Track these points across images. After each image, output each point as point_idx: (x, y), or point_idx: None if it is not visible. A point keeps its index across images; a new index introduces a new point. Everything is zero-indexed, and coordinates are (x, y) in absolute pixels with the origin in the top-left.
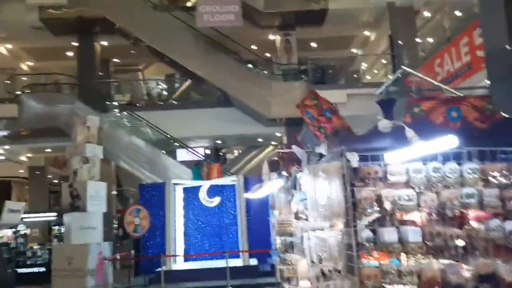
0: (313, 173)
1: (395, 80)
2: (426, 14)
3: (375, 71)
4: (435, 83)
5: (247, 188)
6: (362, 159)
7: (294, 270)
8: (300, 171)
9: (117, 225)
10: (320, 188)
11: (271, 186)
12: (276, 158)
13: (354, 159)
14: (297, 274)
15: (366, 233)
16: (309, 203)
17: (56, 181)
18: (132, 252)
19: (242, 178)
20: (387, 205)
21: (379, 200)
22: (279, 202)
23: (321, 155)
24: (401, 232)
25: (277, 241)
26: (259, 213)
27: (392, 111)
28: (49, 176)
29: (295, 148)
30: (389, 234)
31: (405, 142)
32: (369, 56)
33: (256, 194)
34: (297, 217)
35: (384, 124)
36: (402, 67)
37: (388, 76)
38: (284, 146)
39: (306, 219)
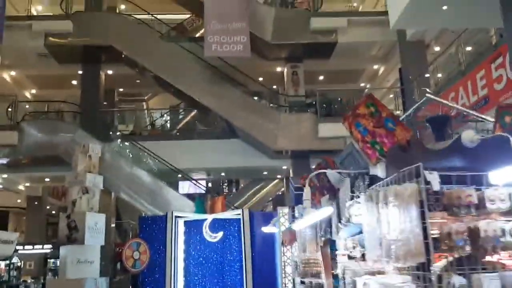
0: (376, 200)
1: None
2: (437, 48)
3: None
4: (463, 109)
5: (252, 222)
6: (443, 182)
7: None
8: (330, 201)
9: (114, 259)
10: (388, 219)
11: (318, 215)
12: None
13: (435, 180)
14: None
15: (458, 280)
16: (367, 239)
17: (54, 212)
18: None
19: (247, 212)
20: (487, 242)
21: (471, 234)
22: (302, 238)
23: (372, 180)
24: (503, 280)
25: (297, 281)
26: (264, 251)
27: (445, 130)
28: (47, 207)
29: (330, 173)
30: (489, 283)
31: (495, 159)
32: (378, 90)
33: (297, 225)
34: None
35: (470, 136)
36: (427, 94)
37: (398, 110)
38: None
39: (361, 259)
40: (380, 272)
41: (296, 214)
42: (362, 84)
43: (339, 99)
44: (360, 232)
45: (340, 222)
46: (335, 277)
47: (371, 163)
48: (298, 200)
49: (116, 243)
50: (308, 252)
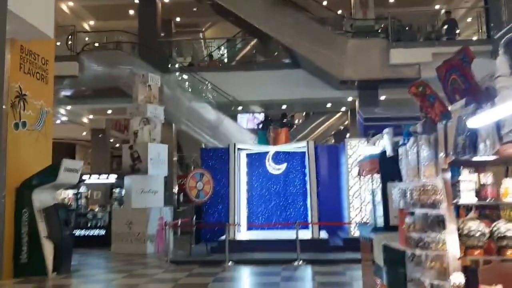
0: None
1: None
2: None
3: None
4: None
5: (317, 155)
6: None
7: (440, 259)
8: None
9: (177, 190)
10: None
11: None
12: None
13: None
14: (445, 264)
15: None
16: None
17: (118, 145)
18: (193, 218)
19: (313, 143)
20: None
21: None
22: (412, 161)
23: None
24: None
25: (414, 213)
26: (329, 184)
27: None
28: (111, 140)
29: (481, 63)
30: None
31: None
32: (455, 13)
33: (477, 121)
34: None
35: None
36: None
37: (480, 33)
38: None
39: None
40: None
41: (376, 143)
42: (437, 6)
43: (410, 25)
44: None
45: None
46: (456, 207)
47: None
48: (368, 131)
49: (179, 175)
50: (424, 177)
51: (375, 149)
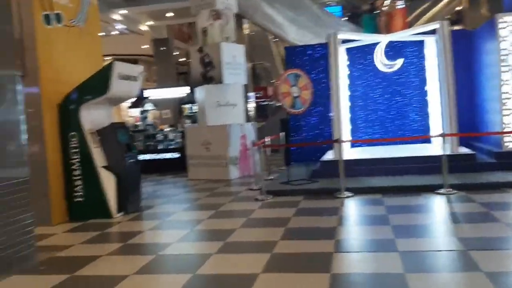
0: None
1: None
2: None
3: None
4: None
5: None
6: None
7: None
8: None
9: (255, 104)
10: None
11: None
12: None
13: None
14: None
15: None
16: None
17: (184, 59)
18: (284, 135)
19: (447, 25)
20: None
21: None
22: None
23: None
24: None
25: None
26: (459, 84)
27: None
28: (175, 54)
29: None
30: None
31: None
32: None
33: None
34: None
35: None
36: None
37: None
38: None
39: None
40: None
41: None
42: None
43: None
44: None
45: None
46: None
47: None
48: None
49: (254, 86)
50: None
51: None
